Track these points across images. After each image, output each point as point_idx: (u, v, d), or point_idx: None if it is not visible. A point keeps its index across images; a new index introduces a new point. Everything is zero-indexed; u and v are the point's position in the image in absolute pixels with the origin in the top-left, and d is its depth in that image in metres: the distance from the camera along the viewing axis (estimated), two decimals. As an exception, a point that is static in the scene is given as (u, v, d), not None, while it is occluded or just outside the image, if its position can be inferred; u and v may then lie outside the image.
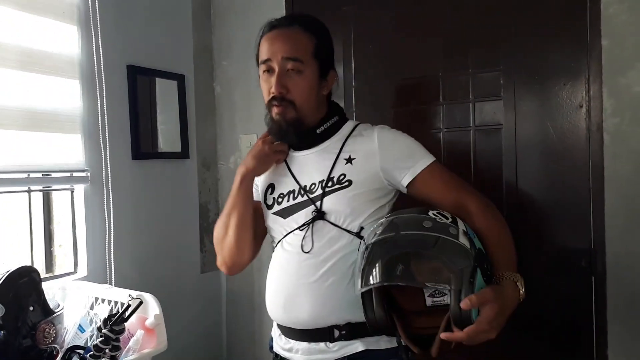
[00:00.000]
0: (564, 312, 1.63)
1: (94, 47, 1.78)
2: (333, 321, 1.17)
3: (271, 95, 1.20)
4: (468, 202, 1.15)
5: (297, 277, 1.20)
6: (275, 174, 1.31)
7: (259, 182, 1.36)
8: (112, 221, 1.81)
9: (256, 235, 1.33)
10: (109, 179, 1.82)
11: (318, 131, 1.25)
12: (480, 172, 1.73)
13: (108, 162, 1.81)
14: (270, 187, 1.30)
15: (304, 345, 1.21)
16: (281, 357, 1.27)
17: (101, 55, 1.79)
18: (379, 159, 1.19)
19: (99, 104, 1.79)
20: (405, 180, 1.19)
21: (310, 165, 1.25)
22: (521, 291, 1.03)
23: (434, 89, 1.81)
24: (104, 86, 1.80)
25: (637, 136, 1.51)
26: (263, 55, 1.22)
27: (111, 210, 1.81)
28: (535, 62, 1.65)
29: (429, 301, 1.09)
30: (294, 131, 1.22)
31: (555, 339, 1.65)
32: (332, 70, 1.27)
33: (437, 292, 1.08)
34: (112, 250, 1.80)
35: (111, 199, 1.81)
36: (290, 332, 1.23)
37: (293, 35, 1.19)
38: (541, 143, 1.65)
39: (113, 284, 1.72)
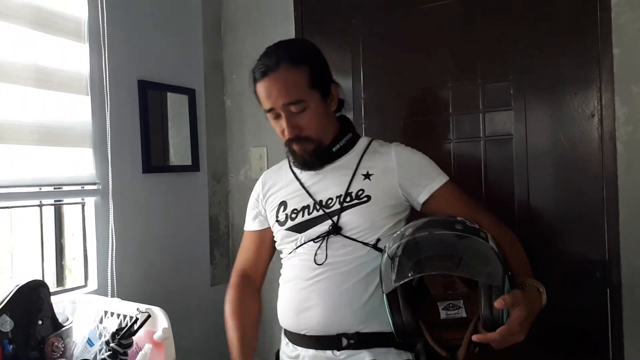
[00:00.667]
0: (578, 324, 1.60)
1: (104, 64, 1.80)
2: (342, 329, 1.17)
3: (287, 137, 1.22)
4: (481, 219, 1.18)
5: (310, 284, 1.21)
6: (286, 192, 1.32)
7: (267, 205, 1.37)
8: (114, 234, 1.79)
9: (263, 263, 1.42)
10: (111, 192, 1.81)
11: (334, 149, 1.28)
12: (491, 183, 1.71)
13: (112, 175, 1.81)
14: (282, 204, 1.31)
15: (311, 352, 1.22)
16: None
17: (108, 71, 1.80)
18: (397, 176, 1.22)
19: (108, 119, 1.81)
20: (422, 198, 1.22)
21: (325, 181, 1.27)
22: (543, 297, 1.07)
23: (443, 100, 1.80)
24: (108, 101, 1.81)
25: (651, 145, 1.48)
26: (265, 105, 1.23)
27: (112, 223, 1.79)
28: (545, 71, 1.64)
29: (443, 314, 1.10)
30: (318, 157, 1.26)
31: (570, 352, 1.61)
32: (333, 85, 1.28)
33: (451, 305, 1.10)
34: (114, 263, 1.78)
35: (112, 212, 1.79)
36: (299, 339, 1.24)
37: (284, 77, 1.18)
38: (553, 153, 1.63)
39: (116, 296, 1.71)
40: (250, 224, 1.44)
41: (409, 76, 1.87)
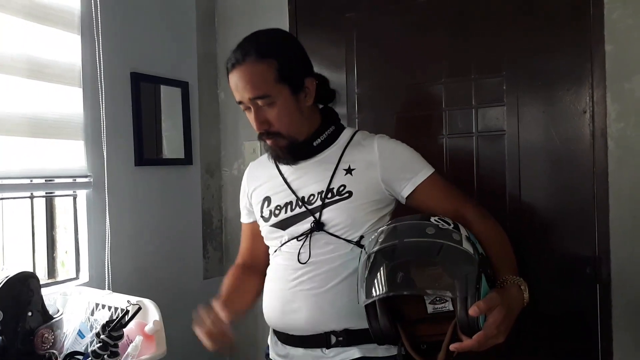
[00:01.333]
0: (568, 320, 1.61)
1: (97, 55, 1.79)
2: (330, 327, 1.16)
3: (256, 131, 1.20)
4: (465, 211, 1.16)
5: (294, 284, 1.19)
6: (270, 187, 1.30)
7: (253, 199, 1.36)
8: (108, 227, 1.80)
9: (261, 252, 1.37)
10: (106, 185, 1.81)
11: (315, 144, 1.24)
12: (483, 178, 1.71)
13: (106, 168, 1.81)
14: (267, 200, 1.29)
15: (300, 351, 1.21)
16: None
17: (102, 62, 1.80)
18: (380, 170, 1.19)
19: (101, 111, 1.80)
20: (406, 192, 1.19)
21: (308, 176, 1.24)
22: (525, 294, 1.02)
23: (436, 95, 1.81)
24: (103, 93, 1.80)
25: (642, 141, 1.49)
26: (236, 98, 1.20)
27: (107, 215, 1.80)
28: (538, 67, 1.64)
29: (430, 308, 1.08)
30: (292, 153, 1.22)
31: (559, 347, 1.62)
32: (308, 78, 1.21)
33: (438, 299, 1.07)
34: (109, 256, 1.79)
35: (107, 205, 1.81)
36: (287, 338, 1.23)
37: (250, 71, 1.15)
38: (544, 149, 1.64)
39: (111, 289, 1.71)
40: (244, 217, 1.43)
41: (403, 71, 1.87)
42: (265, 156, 1.38)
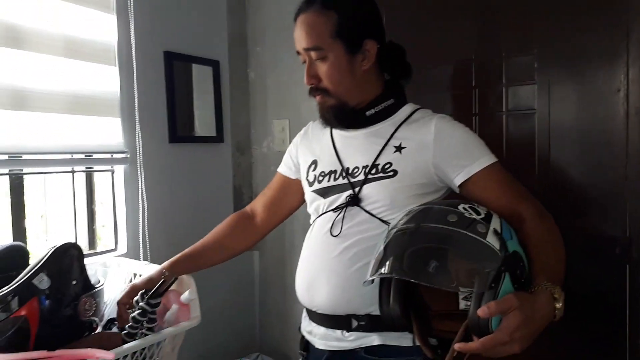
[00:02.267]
0: (596, 300, 1.60)
1: (132, 35, 1.84)
2: (352, 310, 1.13)
3: (306, 84, 1.18)
4: (522, 209, 1.06)
5: (322, 260, 1.18)
6: (320, 151, 1.28)
7: (300, 157, 1.34)
8: (145, 201, 1.87)
9: (275, 207, 1.39)
10: (141, 160, 1.88)
11: (367, 114, 1.18)
12: (513, 157, 1.70)
13: (141, 144, 1.88)
14: (314, 163, 1.27)
15: (322, 330, 1.20)
16: (305, 338, 1.28)
17: (135, 42, 1.85)
18: (432, 153, 1.11)
19: (135, 89, 1.85)
20: (459, 180, 1.11)
21: (356, 147, 1.20)
22: (557, 305, 0.88)
23: (466, 74, 1.79)
24: (136, 72, 1.86)
25: (678, 121, 1.46)
26: (295, 46, 1.18)
27: (143, 190, 1.87)
28: (570, 45, 1.61)
29: (462, 304, 1.01)
30: (338, 116, 1.19)
31: (586, 328, 1.63)
32: (370, 41, 1.15)
33: (471, 295, 0.96)
34: (145, 229, 1.86)
35: (144, 180, 1.88)
36: (312, 315, 1.23)
37: (309, 21, 1.14)
38: (576, 128, 1.62)
39: (148, 260, 1.79)
40: (281, 166, 1.43)
41: (432, 49, 1.85)
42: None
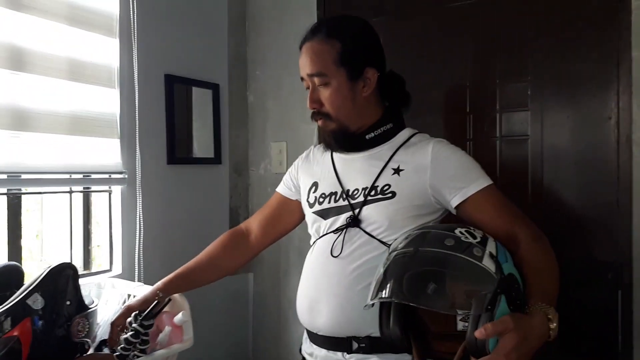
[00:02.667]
0: (588, 326, 1.61)
1: (134, 59, 1.88)
2: (353, 332, 1.15)
3: (309, 108, 1.23)
4: (518, 231, 1.08)
5: (322, 282, 1.20)
6: (320, 174, 1.31)
7: (301, 179, 1.37)
8: (141, 222, 1.88)
9: (271, 227, 1.40)
10: (138, 181, 1.89)
11: (367, 137, 1.22)
12: (507, 183, 1.72)
13: (140, 165, 1.89)
14: (314, 185, 1.30)
15: (323, 352, 1.21)
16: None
17: (137, 65, 1.88)
18: (430, 175, 1.15)
19: (135, 111, 1.88)
20: (455, 202, 1.13)
21: (356, 170, 1.23)
22: (552, 326, 0.91)
23: (461, 99, 1.83)
24: (137, 94, 1.88)
25: (667, 149, 1.49)
26: (300, 73, 1.23)
27: (140, 211, 1.88)
28: (563, 73, 1.65)
29: (460, 325, 1.03)
30: (338, 140, 1.23)
31: (577, 354, 1.62)
32: (370, 69, 1.20)
33: (469, 317, 0.99)
34: (140, 249, 1.87)
35: (140, 201, 1.88)
36: (313, 337, 1.24)
37: (314, 48, 1.19)
38: (568, 154, 1.64)
39: (142, 282, 1.79)
40: (280, 186, 1.45)
41: (429, 75, 1.89)
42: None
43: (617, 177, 1.56)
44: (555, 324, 0.91)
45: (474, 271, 0.92)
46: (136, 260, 1.85)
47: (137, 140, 1.88)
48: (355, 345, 1.15)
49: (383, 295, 0.96)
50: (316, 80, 1.19)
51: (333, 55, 1.17)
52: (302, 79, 1.23)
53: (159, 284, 1.30)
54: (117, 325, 1.20)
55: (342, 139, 1.23)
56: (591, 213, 1.61)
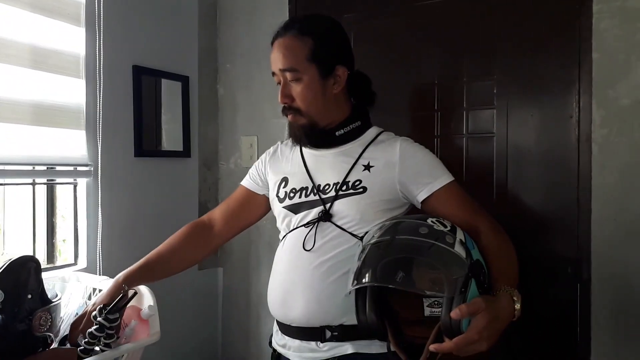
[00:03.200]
0: (548, 318, 1.66)
1: (100, 48, 1.84)
2: (326, 321, 1.18)
3: (280, 103, 1.24)
4: (479, 223, 1.16)
5: (296, 274, 1.22)
6: (290, 169, 1.32)
7: (269, 174, 1.38)
8: (100, 215, 1.85)
9: (234, 220, 1.42)
10: (100, 174, 1.86)
11: (337, 134, 1.26)
12: (472, 179, 1.76)
13: (103, 158, 1.86)
14: (284, 180, 1.32)
15: (296, 342, 1.23)
16: (278, 352, 1.30)
17: (103, 55, 1.85)
18: (398, 171, 1.20)
19: (101, 102, 1.85)
20: (421, 196, 1.20)
21: (327, 165, 1.26)
22: (517, 306, 0.99)
23: (429, 97, 1.85)
24: (102, 85, 1.85)
25: (625, 147, 1.54)
26: (271, 68, 1.25)
27: (99, 204, 1.85)
28: (528, 73, 1.69)
29: (427, 311, 1.08)
30: (308, 135, 1.25)
31: (539, 345, 1.68)
32: (341, 67, 1.24)
33: (436, 302, 1.07)
34: (102, 243, 1.85)
35: (100, 193, 1.86)
36: (286, 329, 1.26)
37: (287, 44, 1.21)
38: (532, 152, 1.69)
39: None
40: (245, 180, 1.46)
41: (397, 73, 1.91)
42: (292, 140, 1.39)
43: (577, 175, 1.62)
44: (519, 305, 0.99)
45: (447, 257, 0.99)
46: (98, 254, 1.83)
47: (100, 132, 1.85)
48: (328, 334, 1.18)
49: (365, 281, 1.01)
50: (288, 75, 1.21)
51: (305, 51, 1.20)
52: (273, 74, 1.25)
53: (119, 275, 1.29)
54: (77, 327, 1.19)
55: (312, 134, 1.25)
56: (553, 210, 1.66)
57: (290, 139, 1.36)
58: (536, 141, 1.69)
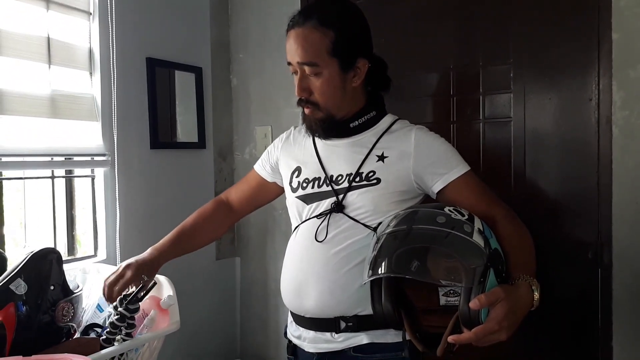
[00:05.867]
0: (569, 303, 1.64)
1: (112, 41, 1.85)
2: (340, 312, 1.17)
3: (296, 96, 1.20)
4: (495, 213, 1.13)
5: (309, 265, 1.20)
6: (303, 158, 1.30)
7: (281, 161, 1.36)
8: (118, 206, 1.88)
9: (249, 201, 1.46)
10: (117, 166, 1.88)
11: (352, 125, 1.22)
12: (490, 165, 1.74)
13: (119, 150, 1.88)
14: (297, 170, 1.29)
15: (311, 334, 1.22)
16: (293, 343, 1.29)
17: (117, 48, 1.86)
18: (413, 162, 1.17)
19: (114, 94, 1.86)
20: (437, 187, 1.17)
21: (340, 156, 1.23)
22: (535, 296, 0.97)
23: (444, 82, 1.83)
24: (116, 78, 1.86)
25: (646, 129, 1.51)
26: (287, 57, 1.19)
27: (117, 195, 1.88)
28: (545, 55, 1.66)
29: (442, 300, 1.07)
30: (324, 128, 1.21)
31: (560, 330, 1.66)
32: (362, 60, 1.19)
33: (452, 291, 1.06)
34: (121, 234, 1.87)
35: (122, 186, 1.88)
36: (300, 320, 1.25)
37: (307, 35, 1.14)
38: (550, 136, 1.66)
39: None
40: (258, 165, 1.45)
41: (412, 58, 1.89)
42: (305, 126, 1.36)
43: (597, 158, 1.59)
44: (537, 294, 0.97)
45: (465, 246, 0.97)
46: (117, 245, 1.85)
47: (116, 124, 1.86)
48: (343, 324, 1.17)
49: (380, 272, 0.99)
50: (307, 69, 1.16)
51: (326, 44, 1.14)
52: (289, 63, 1.19)
53: (151, 249, 1.32)
54: (112, 284, 1.23)
55: (328, 127, 1.22)
56: (572, 194, 1.64)
57: (304, 125, 1.33)
58: (554, 125, 1.66)
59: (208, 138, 2.27)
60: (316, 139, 1.30)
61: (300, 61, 1.15)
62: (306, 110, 1.22)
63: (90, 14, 1.81)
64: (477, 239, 0.98)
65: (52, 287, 1.19)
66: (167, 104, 2.11)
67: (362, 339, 1.16)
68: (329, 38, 1.13)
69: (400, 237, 1.01)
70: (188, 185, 2.18)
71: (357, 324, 1.16)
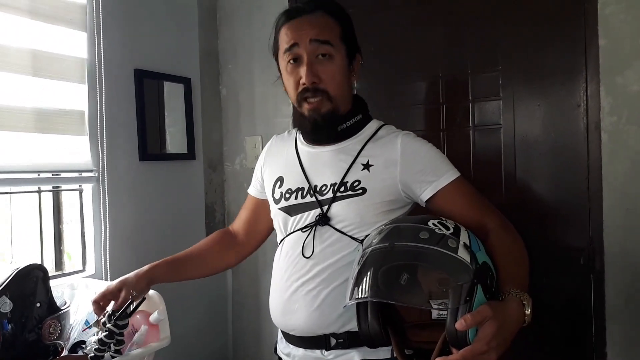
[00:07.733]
0: (562, 310, 1.64)
1: (100, 52, 1.83)
2: (331, 329, 1.12)
3: (302, 87, 1.11)
4: (487, 221, 1.08)
5: (296, 282, 1.16)
6: (285, 167, 1.24)
7: (266, 173, 1.31)
8: (107, 220, 1.85)
9: (254, 227, 1.38)
10: (107, 180, 1.85)
11: (339, 129, 1.15)
12: (480, 171, 1.75)
13: (107, 163, 1.86)
14: (279, 180, 1.24)
15: (300, 351, 1.18)
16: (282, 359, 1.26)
17: (105, 59, 1.84)
18: (399, 170, 1.11)
19: (103, 107, 1.84)
20: (425, 195, 1.11)
21: (324, 164, 1.17)
22: (527, 311, 0.91)
23: (434, 90, 1.83)
24: (105, 90, 1.84)
25: (634, 134, 1.52)
26: (286, 42, 1.12)
27: (107, 209, 1.85)
28: (533, 62, 1.67)
29: (434, 314, 1.03)
30: (329, 126, 1.14)
31: (553, 337, 1.66)
32: (358, 55, 1.17)
33: (444, 305, 0.99)
34: (107, 248, 1.84)
35: (107, 199, 1.85)
36: (289, 337, 1.21)
37: (319, 19, 1.11)
38: (539, 142, 1.67)
39: (111, 280, 1.76)
40: (251, 188, 1.40)
41: (401, 67, 1.90)
42: (287, 133, 1.33)
43: (587, 164, 1.59)
44: (529, 310, 0.92)
45: (450, 263, 0.92)
46: (102, 260, 1.82)
47: (105, 137, 1.84)
48: (333, 341, 1.12)
49: (360, 295, 0.94)
50: (320, 48, 1.09)
51: (338, 30, 1.12)
52: (290, 47, 1.11)
53: (145, 267, 1.27)
54: (97, 301, 1.19)
55: (333, 124, 1.15)
56: (563, 200, 1.64)
57: (287, 131, 1.30)
58: (544, 131, 1.66)
59: (198, 149, 2.25)
60: (299, 146, 1.24)
61: (315, 38, 1.09)
62: (308, 105, 1.13)
63: (78, 25, 1.79)
64: (463, 254, 0.93)
65: (38, 305, 1.17)
66: (156, 115, 2.09)
67: (353, 356, 1.11)
68: (338, 26, 1.12)
69: (381, 256, 0.96)
70: (178, 197, 2.16)
71: (348, 340, 1.11)
